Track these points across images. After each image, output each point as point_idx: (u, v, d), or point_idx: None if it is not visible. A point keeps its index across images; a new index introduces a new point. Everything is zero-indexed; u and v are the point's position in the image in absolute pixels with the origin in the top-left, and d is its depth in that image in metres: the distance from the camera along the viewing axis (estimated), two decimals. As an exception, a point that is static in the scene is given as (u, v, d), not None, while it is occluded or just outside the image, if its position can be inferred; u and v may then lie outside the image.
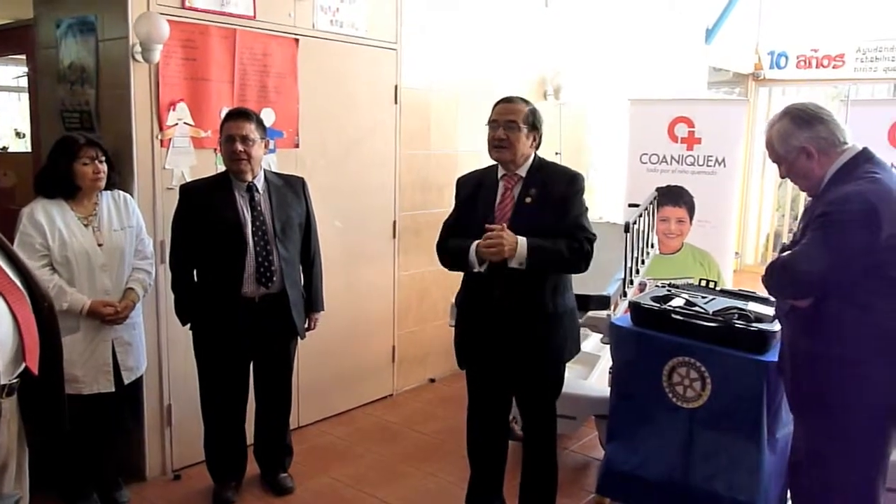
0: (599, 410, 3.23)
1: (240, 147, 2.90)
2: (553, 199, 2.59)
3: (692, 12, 7.25)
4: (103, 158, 2.88)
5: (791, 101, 2.42)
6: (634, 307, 2.88)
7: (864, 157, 2.21)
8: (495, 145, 2.62)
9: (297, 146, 3.77)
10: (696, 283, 3.27)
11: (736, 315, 2.71)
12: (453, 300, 2.87)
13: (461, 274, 2.74)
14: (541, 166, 2.68)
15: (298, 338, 3.22)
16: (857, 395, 2.13)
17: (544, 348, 2.65)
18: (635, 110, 5.69)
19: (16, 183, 4.20)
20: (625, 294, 3.42)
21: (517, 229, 2.52)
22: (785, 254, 2.24)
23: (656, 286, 3.27)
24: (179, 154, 3.30)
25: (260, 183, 3.03)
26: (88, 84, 3.30)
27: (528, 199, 2.61)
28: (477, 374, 2.78)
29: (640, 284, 3.86)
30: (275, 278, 3.00)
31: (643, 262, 3.86)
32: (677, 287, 3.14)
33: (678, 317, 2.75)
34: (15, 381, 1.77)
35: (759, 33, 8.32)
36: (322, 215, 3.41)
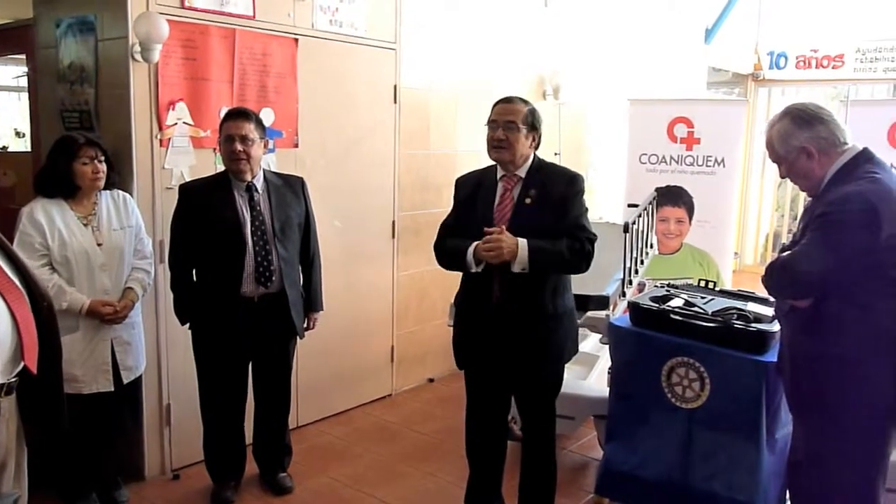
0: (598, 410, 3.23)
1: (239, 147, 2.90)
2: (553, 200, 2.59)
3: (692, 12, 7.25)
4: (103, 158, 2.88)
5: (790, 102, 2.43)
6: (633, 307, 2.88)
7: (865, 157, 2.21)
8: (494, 146, 2.62)
9: (296, 146, 3.77)
10: (696, 284, 3.27)
11: (735, 315, 2.71)
12: (452, 300, 2.87)
13: (460, 274, 2.74)
14: (540, 167, 2.68)
15: (298, 337, 3.22)
16: (856, 395, 2.13)
17: (544, 348, 2.65)
18: (635, 110, 5.70)
19: (15, 182, 4.19)
20: (624, 294, 3.42)
21: (517, 230, 2.52)
22: (785, 254, 2.24)
23: (655, 286, 3.27)
24: (179, 154, 3.30)
25: (259, 183, 3.03)
26: (88, 84, 3.30)
27: (528, 200, 2.60)
28: (476, 374, 2.78)
29: (639, 285, 3.86)
30: (274, 278, 3.00)
31: (642, 262, 3.87)
32: (676, 287, 3.14)
33: (677, 317, 2.75)
34: (14, 380, 1.77)
35: (759, 33, 8.32)
36: (321, 215, 3.40)
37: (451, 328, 2.86)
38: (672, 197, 5.51)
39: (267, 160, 3.47)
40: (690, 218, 5.53)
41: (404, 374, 4.61)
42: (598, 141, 6.12)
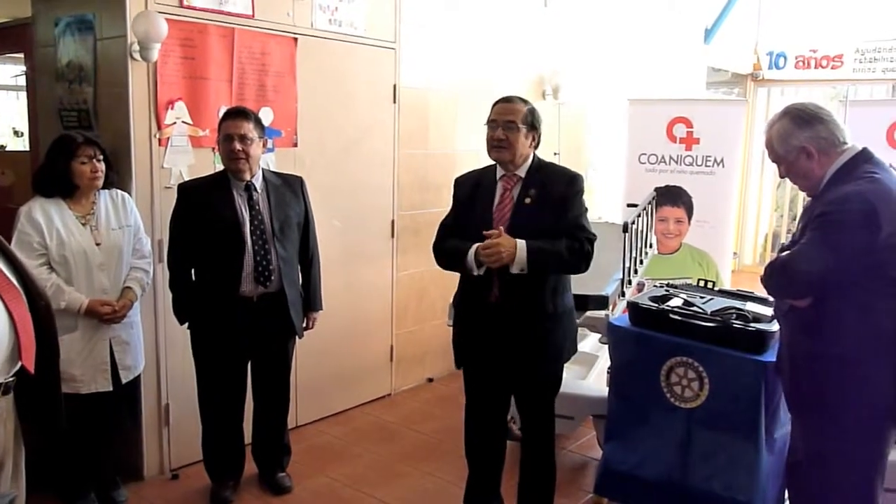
0: (597, 410, 3.23)
1: (238, 146, 2.90)
2: (552, 200, 2.58)
3: (691, 12, 7.26)
4: (101, 157, 2.87)
5: (790, 102, 2.42)
6: (633, 307, 2.88)
7: (864, 157, 2.21)
8: (494, 145, 2.61)
9: (295, 145, 3.77)
10: (695, 284, 3.27)
11: (734, 315, 2.71)
12: (451, 300, 2.87)
13: (459, 273, 2.74)
14: (540, 167, 2.67)
15: (297, 337, 3.22)
16: (856, 395, 2.13)
17: (543, 348, 2.64)
18: (634, 110, 5.70)
19: (14, 182, 4.19)
20: (623, 294, 3.41)
21: (516, 230, 2.52)
22: (784, 254, 2.24)
23: (654, 286, 3.27)
24: (177, 153, 3.30)
25: (258, 182, 3.02)
26: (86, 83, 3.30)
27: (528, 200, 2.60)
28: (475, 374, 2.78)
29: (638, 284, 3.86)
30: (273, 277, 3.00)
31: (641, 262, 3.87)
32: (675, 287, 3.14)
33: (676, 317, 2.75)
34: (11, 379, 1.77)
35: (758, 33, 8.33)
36: (320, 215, 3.40)
37: (451, 328, 2.85)
38: (671, 197, 5.51)
39: (266, 159, 3.47)
40: (690, 218, 5.53)
41: (403, 373, 4.60)
42: (598, 141, 6.12)
